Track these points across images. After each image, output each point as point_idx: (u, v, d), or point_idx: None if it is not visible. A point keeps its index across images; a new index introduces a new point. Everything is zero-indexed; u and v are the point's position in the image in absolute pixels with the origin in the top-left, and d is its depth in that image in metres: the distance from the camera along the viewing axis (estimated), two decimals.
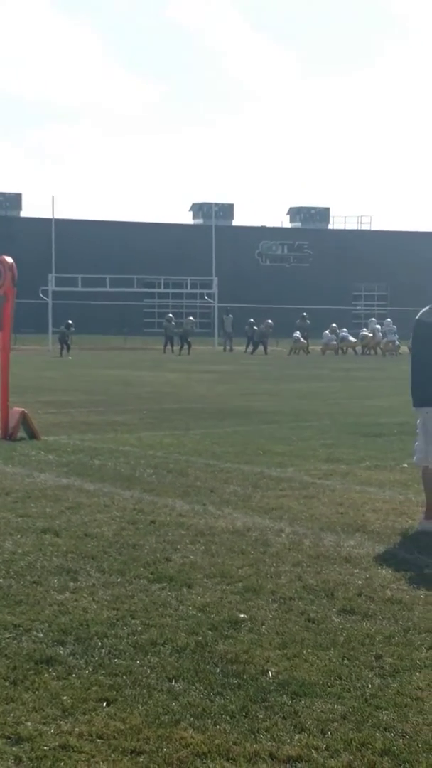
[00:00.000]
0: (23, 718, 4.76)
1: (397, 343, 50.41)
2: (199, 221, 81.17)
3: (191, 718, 4.78)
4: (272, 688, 5.15)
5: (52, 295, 55.77)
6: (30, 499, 9.85)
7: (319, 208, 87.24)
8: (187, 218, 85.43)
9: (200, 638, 5.84)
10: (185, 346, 49.02)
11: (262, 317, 52.88)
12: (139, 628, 6.01)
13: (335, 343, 52.09)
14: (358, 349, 52.36)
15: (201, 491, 10.46)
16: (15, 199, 79.45)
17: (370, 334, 52.77)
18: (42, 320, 56.10)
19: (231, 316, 54.65)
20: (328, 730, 4.67)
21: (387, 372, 34.26)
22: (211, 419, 17.87)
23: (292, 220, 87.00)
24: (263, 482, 11.07)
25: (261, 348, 50.52)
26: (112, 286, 61.90)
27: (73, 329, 48.75)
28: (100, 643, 5.73)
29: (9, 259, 14.74)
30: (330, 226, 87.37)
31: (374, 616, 6.34)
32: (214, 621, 6.15)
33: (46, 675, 5.28)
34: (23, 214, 79.37)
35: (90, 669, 5.36)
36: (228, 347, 53.41)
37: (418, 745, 4.55)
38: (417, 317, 9.23)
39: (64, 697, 4.98)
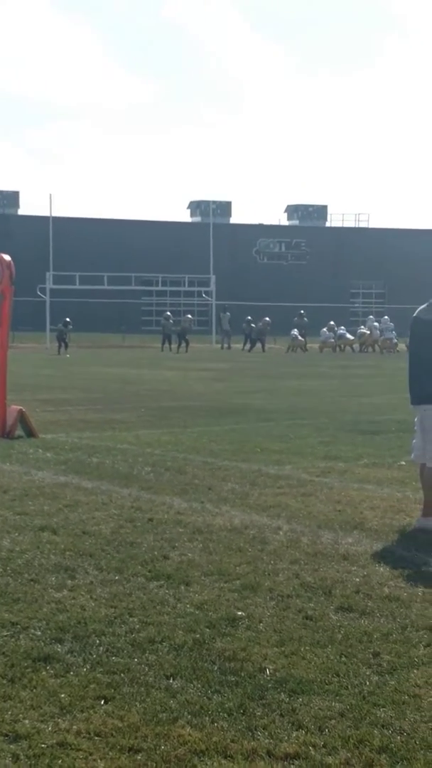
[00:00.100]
0: (21, 715, 4.76)
1: (395, 340, 50.46)
2: (197, 219, 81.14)
3: (189, 716, 4.78)
4: (270, 685, 5.15)
5: (49, 293, 55.77)
6: (28, 497, 9.85)
7: (317, 205, 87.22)
8: (184, 216, 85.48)
9: (198, 636, 5.85)
10: (183, 344, 49.03)
11: (260, 315, 52.87)
12: (137, 626, 6.01)
13: (333, 340, 52.07)
14: (356, 346, 52.37)
15: (199, 489, 10.46)
16: (12, 197, 79.38)
17: (368, 332, 52.81)
18: (40, 318, 56.10)
19: (228, 313, 54.63)
20: (326, 728, 4.67)
21: (384, 369, 34.27)
22: (208, 417, 17.87)
23: (289, 218, 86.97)
24: (261, 480, 11.08)
25: (258, 345, 50.55)
26: (110, 284, 61.84)
27: (71, 327, 48.75)
28: (97, 641, 5.73)
29: (7, 257, 14.73)
30: (328, 224, 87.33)
31: (372, 613, 6.34)
32: (212, 619, 6.16)
33: (44, 673, 5.28)
34: (21, 212, 79.28)
35: (88, 667, 5.36)
36: (226, 345, 53.41)
37: (415, 742, 4.55)
38: (414, 315, 9.23)
39: (62, 695, 4.99)
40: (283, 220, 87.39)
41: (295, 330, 51.87)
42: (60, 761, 4.34)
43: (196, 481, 10.95)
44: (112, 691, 5.05)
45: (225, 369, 34.65)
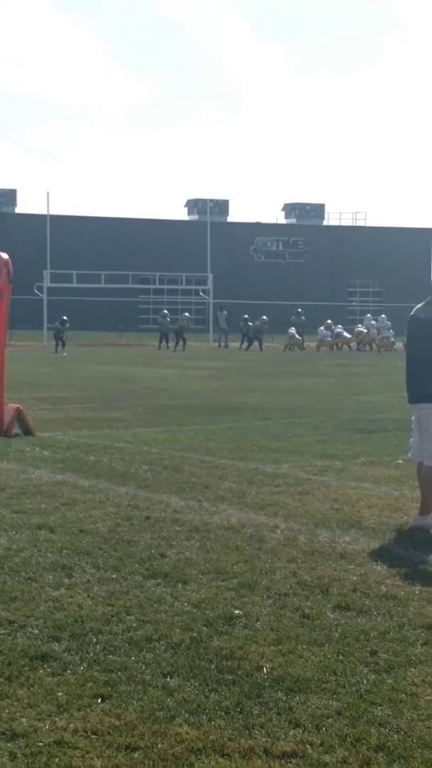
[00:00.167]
0: (18, 714, 4.76)
1: (392, 339, 50.48)
2: (194, 217, 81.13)
3: (186, 714, 4.78)
4: (267, 684, 5.15)
5: (47, 292, 55.73)
6: (25, 496, 9.84)
7: (314, 204, 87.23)
8: (182, 214, 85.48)
9: (195, 634, 5.85)
10: (180, 343, 49.03)
11: (257, 313, 52.86)
12: (134, 625, 6.01)
13: (330, 339, 52.09)
14: (353, 345, 52.39)
15: (196, 487, 10.46)
16: (10, 195, 79.34)
17: (365, 330, 52.82)
18: (37, 316, 56.08)
19: (225, 312, 54.63)
20: (323, 726, 4.67)
21: (382, 368, 34.28)
22: (206, 415, 17.87)
23: (287, 216, 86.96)
24: (258, 478, 11.08)
25: (256, 344, 50.55)
26: (107, 283, 61.82)
27: (68, 325, 48.74)
28: (95, 640, 5.73)
29: (4, 256, 14.71)
30: (325, 223, 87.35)
31: (369, 612, 6.34)
32: (209, 617, 6.15)
33: (41, 671, 5.28)
34: (18, 210, 79.26)
35: (85, 665, 5.36)
36: (223, 343, 53.41)
37: (412, 740, 4.55)
38: (412, 313, 9.23)
39: (59, 693, 4.98)
40: (280, 219, 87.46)
41: (293, 328, 51.88)
42: (57, 759, 4.33)
43: (193, 479, 10.95)
44: (109, 689, 5.05)
45: (222, 367, 34.66)
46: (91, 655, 5.51)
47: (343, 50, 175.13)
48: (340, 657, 5.54)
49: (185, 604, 6.41)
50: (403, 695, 5.05)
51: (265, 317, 51.51)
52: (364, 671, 5.36)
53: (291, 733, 4.60)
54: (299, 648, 5.66)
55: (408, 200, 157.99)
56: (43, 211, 62.86)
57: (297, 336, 51.32)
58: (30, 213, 74.73)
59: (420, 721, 4.75)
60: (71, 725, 4.64)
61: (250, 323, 51.45)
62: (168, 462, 12.09)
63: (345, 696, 5.02)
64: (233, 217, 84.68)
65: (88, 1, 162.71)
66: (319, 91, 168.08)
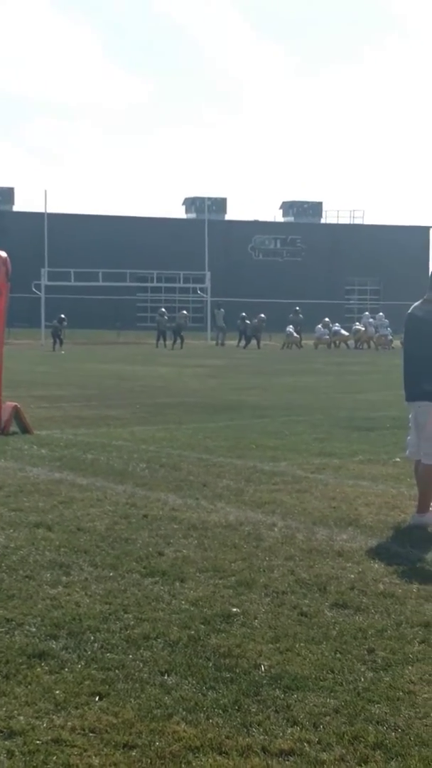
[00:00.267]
0: (15, 712, 4.76)
1: (390, 337, 50.52)
2: (192, 215, 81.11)
3: (184, 712, 4.78)
4: (265, 681, 5.15)
5: (44, 290, 55.77)
6: (22, 494, 9.84)
7: (312, 202, 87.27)
8: (179, 212, 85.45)
9: (193, 632, 5.85)
10: (178, 341, 49.04)
11: (255, 311, 52.89)
12: (132, 623, 6.00)
13: (328, 337, 52.14)
14: (351, 343, 52.42)
15: (194, 485, 10.46)
16: (7, 193, 79.34)
17: (363, 329, 52.85)
18: (35, 315, 56.13)
19: (222, 310, 54.65)
20: (321, 724, 4.67)
21: (379, 366, 34.29)
22: (203, 413, 17.87)
23: (284, 215, 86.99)
24: (256, 476, 11.07)
25: (254, 342, 50.56)
26: (105, 281, 61.86)
27: (66, 324, 48.74)
28: (92, 638, 5.73)
29: (2, 254, 14.69)
30: (323, 221, 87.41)
31: (367, 609, 6.34)
32: (207, 615, 6.15)
33: (39, 669, 5.28)
34: (16, 208, 79.24)
35: (82, 663, 5.36)
36: (220, 341, 53.42)
37: (410, 738, 4.55)
38: (409, 311, 9.23)
39: (57, 692, 4.98)
40: (278, 217, 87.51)
41: (291, 326, 51.90)
42: (55, 757, 4.33)
43: (191, 477, 10.95)
44: (107, 687, 5.05)
45: (220, 366, 34.66)
46: (89, 653, 5.50)
47: (343, 50, 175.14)
48: (338, 655, 5.54)
49: (183, 602, 6.41)
50: (401, 693, 5.05)
51: (262, 315, 51.55)
52: (362, 669, 5.36)
53: (289, 731, 4.60)
54: (297, 646, 5.66)
55: (405, 198, 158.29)
56: (40, 209, 62.93)
57: (295, 334, 51.34)
58: (28, 211, 74.76)
59: (417, 719, 4.75)
60: (69, 723, 4.63)
61: (247, 321, 51.48)
62: (166, 460, 12.08)
63: (342, 694, 5.02)
64: (231, 215, 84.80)
65: (88, 1, 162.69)
66: (318, 91, 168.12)
